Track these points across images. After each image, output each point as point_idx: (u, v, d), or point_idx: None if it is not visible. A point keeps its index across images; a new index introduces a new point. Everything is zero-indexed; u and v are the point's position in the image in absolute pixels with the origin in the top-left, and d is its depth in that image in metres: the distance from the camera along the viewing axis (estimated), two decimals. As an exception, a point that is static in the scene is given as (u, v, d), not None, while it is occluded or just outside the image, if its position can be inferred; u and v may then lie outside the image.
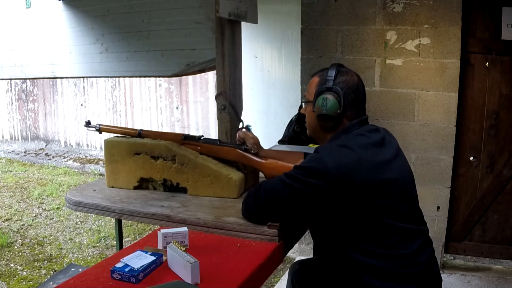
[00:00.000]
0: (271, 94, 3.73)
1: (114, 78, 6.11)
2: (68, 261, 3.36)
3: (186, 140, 1.78)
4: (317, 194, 1.26)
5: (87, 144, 6.58)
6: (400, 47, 2.76)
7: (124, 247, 1.70)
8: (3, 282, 3.02)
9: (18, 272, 3.18)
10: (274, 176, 1.42)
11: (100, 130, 1.91)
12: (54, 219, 4.21)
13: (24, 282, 3.04)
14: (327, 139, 1.43)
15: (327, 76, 1.39)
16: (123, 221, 2.08)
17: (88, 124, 1.92)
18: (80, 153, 6.57)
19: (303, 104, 1.51)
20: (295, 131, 2.69)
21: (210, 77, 5.36)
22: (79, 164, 6.17)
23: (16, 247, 3.60)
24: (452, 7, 2.63)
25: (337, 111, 1.37)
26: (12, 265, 3.29)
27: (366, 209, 1.27)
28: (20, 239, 3.74)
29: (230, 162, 1.77)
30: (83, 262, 3.35)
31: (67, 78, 5.91)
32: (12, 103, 7.22)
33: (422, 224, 1.41)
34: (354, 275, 1.31)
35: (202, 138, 1.79)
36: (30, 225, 4.05)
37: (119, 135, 1.89)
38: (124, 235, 3.54)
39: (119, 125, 6.17)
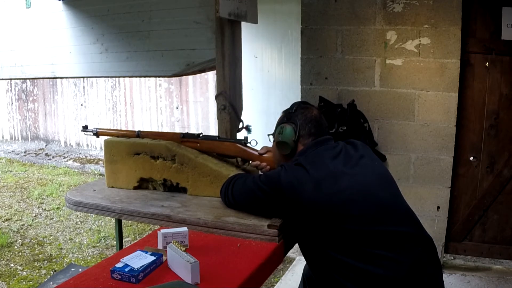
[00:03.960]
0: (271, 94, 3.73)
1: (114, 78, 6.11)
2: (68, 261, 3.36)
3: (185, 138, 1.78)
4: (267, 198, 1.43)
5: (87, 144, 6.58)
6: (400, 47, 2.75)
7: (124, 247, 1.70)
8: (3, 282, 3.02)
9: (18, 272, 3.18)
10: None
11: (97, 134, 1.91)
12: (54, 219, 4.21)
13: (24, 282, 3.04)
14: None
15: (289, 110, 1.55)
16: (123, 221, 2.08)
17: (85, 128, 1.93)
18: (80, 153, 6.57)
19: (270, 137, 1.62)
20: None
21: (210, 77, 5.36)
22: (79, 164, 6.17)
23: (16, 247, 3.60)
24: (452, 7, 2.63)
25: (292, 138, 1.49)
26: (12, 265, 3.28)
27: (323, 219, 1.31)
28: (20, 239, 3.74)
29: (230, 162, 1.78)
30: (83, 262, 3.35)
31: (67, 78, 5.90)
32: (12, 103, 7.21)
33: (401, 225, 1.35)
34: (333, 278, 1.32)
35: (201, 135, 1.80)
36: (30, 225, 4.05)
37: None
38: (124, 235, 3.54)
39: (119, 125, 6.20)
